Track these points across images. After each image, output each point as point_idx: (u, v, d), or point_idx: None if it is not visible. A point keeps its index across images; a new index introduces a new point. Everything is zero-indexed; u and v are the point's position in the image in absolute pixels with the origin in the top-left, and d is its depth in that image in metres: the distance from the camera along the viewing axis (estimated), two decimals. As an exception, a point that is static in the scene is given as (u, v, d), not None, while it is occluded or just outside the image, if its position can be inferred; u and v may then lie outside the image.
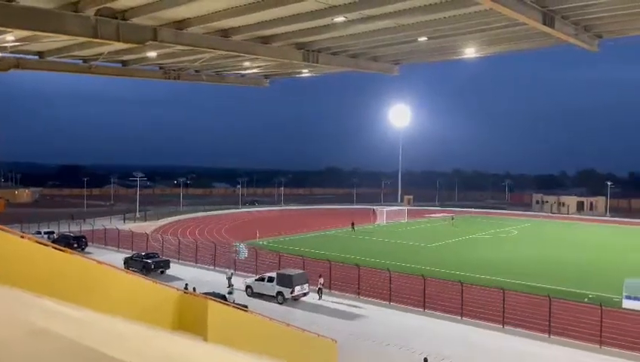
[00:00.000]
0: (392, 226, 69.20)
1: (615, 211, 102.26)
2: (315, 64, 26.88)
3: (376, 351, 22.78)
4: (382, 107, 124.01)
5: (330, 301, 30.53)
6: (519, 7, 17.94)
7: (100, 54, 25.84)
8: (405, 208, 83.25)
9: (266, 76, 35.86)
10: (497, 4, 16.69)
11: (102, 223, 59.55)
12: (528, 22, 19.15)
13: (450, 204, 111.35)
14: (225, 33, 22.68)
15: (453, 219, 77.32)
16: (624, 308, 28.23)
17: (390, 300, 30.03)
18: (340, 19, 20.29)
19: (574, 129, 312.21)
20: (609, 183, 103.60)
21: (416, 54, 28.44)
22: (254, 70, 32.78)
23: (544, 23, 19.52)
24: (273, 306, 28.84)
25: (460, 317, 27.13)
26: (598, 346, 23.03)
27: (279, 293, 30.19)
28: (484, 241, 57.11)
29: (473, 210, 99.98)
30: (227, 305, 15.52)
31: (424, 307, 28.66)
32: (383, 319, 27.31)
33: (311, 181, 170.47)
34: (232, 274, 33.60)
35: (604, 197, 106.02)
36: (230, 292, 29.31)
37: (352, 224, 64.47)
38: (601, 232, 70.16)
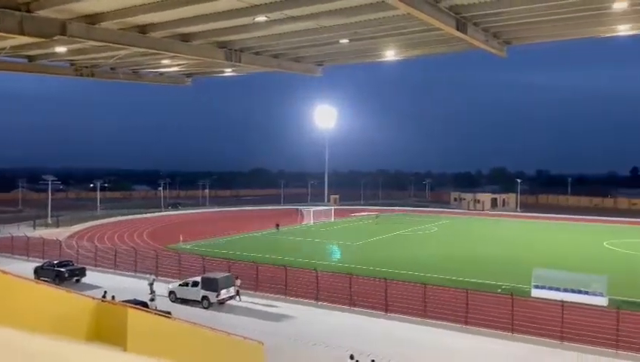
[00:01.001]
0: (319, 226, 69.88)
1: (524, 206, 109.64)
2: (238, 63, 26.55)
3: (303, 350, 22.87)
4: (308, 108, 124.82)
5: (257, 303, 30.28)
6: (435, 13, 18.73)
7: (2, 49, 23.96)
8: (332, 208, 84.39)
9: (188, 75, 34.93)
10: (414, 9, 17.31)
11: (8, 231, 55.24)
12: (443, 27, 20.04)
13: (374, 203, 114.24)
14: (142, 29, 21.80)
15: (377, 217, 79.37)
16: (533, 297, 30.26)
17: (317, 299, 30.28)
18: (261, 18, 20.17)
19: (488, 130, 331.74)
20: (519, 180, 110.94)
21: (339, 56, 28.89)
22: (175, 68, 31.81)
23: (458, 29, 20.53)
24: (198, 311, 28.15)
25: (385, 313, 27.88)
26: (510, 333, 24.53)
27: (204, 298, 29.51)
28: (406, 238, 59.15)
29: (396, 208, 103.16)
30: (149, 312, 14.93)
31: (350, 305, 29.17)
32: (310, 318, 27.48)
33: (237, 182, 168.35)
34: (153, 279, 32.41)
35: (514, 194, 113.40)
36: (152, 299, 28.24)
37: (277, 225, 64.63)
38: (512, 226, 74.97)
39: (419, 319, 26.85)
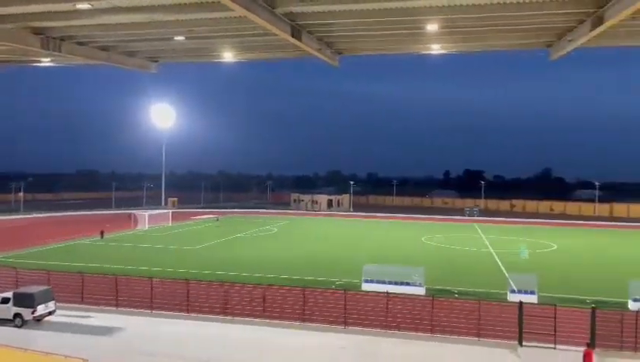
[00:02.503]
0: (155, 231, 66.41)
1: (357, 206, 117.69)
2: (58, 53, 23.97)
3: (135, 364, 21.42)
4: (144, 106, 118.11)
5: (82, 316, 27.58)
6: (270, 18, 19.08)
7: None
8: (169, 211, 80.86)
9: (-2, 63, 30.59)
10: (250, 12, 17.41)
11: None
12: (279, 33, 20.53)
13: (215, 206, 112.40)
14: None
15: (217, 220, 78.23)
16: (364, 290, 32.51)
17: (152, 308, 28.68)
18: (84, 5, 18.47)
19: (325, 135, 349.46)
20: (352, 183, 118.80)
21: (174, 53, 27.84)
22: (-22, 54, 27.63)
23: (293, 36, 21.21)
24: (10, 331, 24.69)
25: (224, 317, 27.48)
26: (344, 326, 26.00)
27: (17, 315, 25.97)
28: (247, 240, 59.29)
29: (237, 210, 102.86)
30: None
31: (188, 311, 28.19)
32: (144, 329, 25.88)
33: (60, 185, 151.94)
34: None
35: (348, 195, 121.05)
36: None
37: (102, 232, 59.10)
38: (346, 225, 79.88)
39: (259, 320, 27.01)
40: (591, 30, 22.48)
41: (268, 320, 26.94)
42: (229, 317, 27.49)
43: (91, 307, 29.20)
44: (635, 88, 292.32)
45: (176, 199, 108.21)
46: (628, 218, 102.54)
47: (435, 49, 27.09)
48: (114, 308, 28.92)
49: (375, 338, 24.56)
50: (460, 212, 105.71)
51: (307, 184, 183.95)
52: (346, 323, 26.16)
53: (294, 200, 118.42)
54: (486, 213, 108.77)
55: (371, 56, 29.97)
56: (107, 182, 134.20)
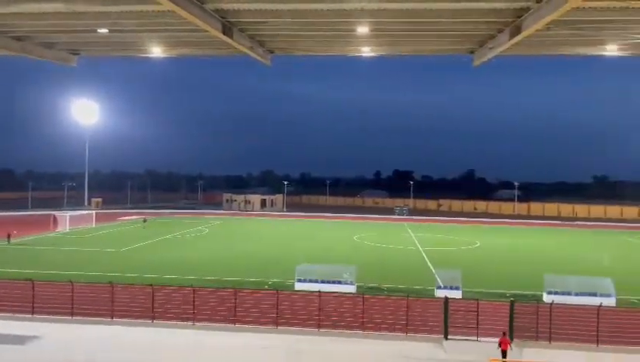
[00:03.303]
0: (77, 233, 63.04)
1: (290, 206, 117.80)
2: (-36, 42, 22.14)
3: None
4: (65, 102, 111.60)
5: (-7, 327, 25.61)
6: (200, 14, 18.63)
7: None
8: (93, 212, 77.03)
9: None
10: (178, 7, 16.91)
11: None
12: (209, 29, 20.09)
13: (143, 206, 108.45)
14: None
15: (145, 221, 75.55)
16: (296, 290, 32.56)
17: (72, 314, 27.15)
18: (-5, -8, 17.18)
19: (259, 135, 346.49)
20: (285, 183, 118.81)
21: (97, 46, 26.52)
22: None
23: (224, 33, 20.83)
24: None
25: (151, 321, 26.52)
26: (276, 327, 25.89)
27: None
28: (176, 242, 57.64)
29: (167, 211, 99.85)
30: None
31: (112, 316, 26.95)
32: (63, 336, 24.43)
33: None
34: None
35: (282, 195, 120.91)
36: None
37: (8, 235, 54.40)
38: (279, 225, 79.70)
39: (188, 323, 26.31)
40: (510, 39, 23.78)
41: (197, 323, 26.31)
42: (156, 321, 26.56)
43: (3, 315, 27.21)
44: (553, 95, 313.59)
45: (100, 199, 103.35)
46: (543, 216, 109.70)
47: (366, 51, 27.64)
48: (29, 315, 27.10)
49: (305, 337, 24.64)
50: (390, 211, 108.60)
51: (240, 184, 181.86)
52: (277, 324, 26.06)
53: (227, 201, 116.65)
54: (415, 212, 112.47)
55: (304, 56, 30.10)
56: (23, 181, 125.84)
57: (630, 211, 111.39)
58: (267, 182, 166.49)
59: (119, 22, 21.03)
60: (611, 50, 29.61)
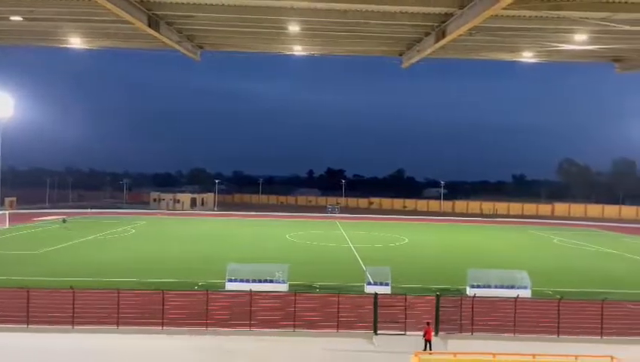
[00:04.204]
0: (-11, 235, 58.60)
1: (222, 205, 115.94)
2: None
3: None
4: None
5: None
6: (123, 5, 17.87)
7: None
8: (6, 212, 71.89)
9: None
10: (100, -4, 16.14)
11: None
12: (134, 21, 19.31)
13: (63, 206, 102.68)
14: None
15: (64, 221, 71.61)
16: (227, 290, 32.06)
17: (-19, 323, 25.16)
18: None
19: (188, 131, 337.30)
20: (217, 181, 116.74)
21: (11, 35, 24.76)
22: None
23: (150, 26, 20.10)
24: None
25: (71, 327, 25.12)
26: (206, 328, 25.35)
27: None
28: (99, 243, 55.02)
29: (90, 210, 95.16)
30: None
31: (28, 322, 25.26)
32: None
33: None
34: None
35: (213, 194, 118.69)
36: None
37: None
38: (210, 224, 78.18)
39: (113, 327, 25.16)
40: (435, 42, 24.70)
41: (122, 327, 25.23)
42: (77, 326, 25.19)
43: None
44: (478, 97, 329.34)
45: (14, 199, 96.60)
46: (467, 213, 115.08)
47: (298, 50, 27.69)
48: None
49: (236, 337, 24.35)
50: (323, 209, 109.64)
51: (169, 182, 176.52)
52: (207, 325, 25.54)
53: (154, 200, 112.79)
54: (347, 210, 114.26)
55: (236, 52, 29.69)
56: None
57: (544, 208, 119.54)
58: (198, 181, 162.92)
59: (35, 10, 19.72)
60: (528, 56, 31.55)
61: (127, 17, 18.26)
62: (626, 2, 21.23)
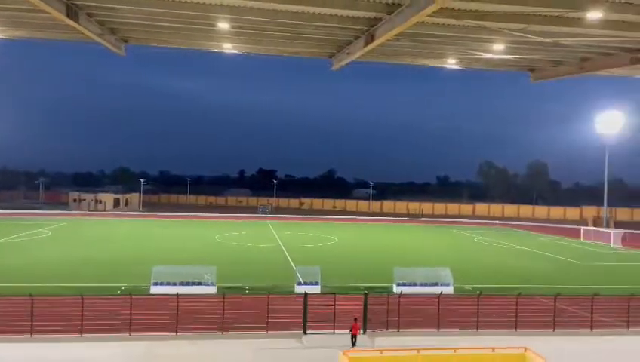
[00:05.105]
0: None
1: (148, 206, 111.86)
2: None
3: None
4: None
5: None
6: (40, -8, 16.79)
7: None
8: None
9: None
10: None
11: None
12: (50, 11, 18.17)
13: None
14: None
15: (-28, 224, 66.13)
16: (153, 294, 30.94)
17: None
18: None
19: (112, 128, 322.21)
20: (142, 181, 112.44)
21: None
22: None
23: (68, 16, 19.01)
24: None
25: (-23, 339, 23.21)
26: (129, 334, 24.29)
27: None
28: (11, 246, 51.28)
29: (2, 211, 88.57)
30: None
31: None
32: None
33: None
34: None
35: (138, 194, 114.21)
36: None
37: None
38: (135, 226, 75.15)
39: (26, 336, 23.51)
40: (364, 46, 25.21)
41: (36, 335, 23.64)
42: (-16, 338, 23.33)
43: None
44: (406, 100, 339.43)
45: None
46: (395, 213, 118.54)
47: (227, 48, 27.24)
48: None
49: (162, 342, 23.54)
50: (254, 210, 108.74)
51: (90, 182, 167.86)
52: (130, 330, 24.49)
53: (74, 200, 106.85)
54: (278, 210, 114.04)
55: (164, 48, 28.73)
56: None
57: (466, 208, 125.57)
58: (122, 180, 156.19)
59: None
60: (451, 63, 32.97)
61: (44, 6, 17.08)
62: (539, 15, 22.73)
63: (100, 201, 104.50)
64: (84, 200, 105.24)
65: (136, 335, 24.17)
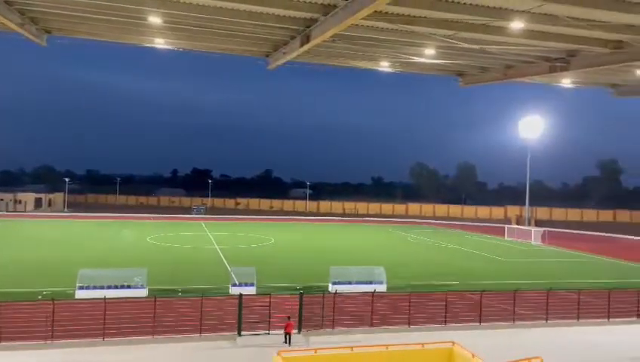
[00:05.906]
0: None
1: (74, 206, 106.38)
2: None
3: None
4: None
5: None
6: (-51, -25, 15.51)
7: None
8: None
9: None
10: None
11: None
12: (-37, -4, 16.85)
13: None
14: None
15: None
16: (77, 298, 29.45)
17: None
18: None
19: (33, 126, 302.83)
20: (67, 180, 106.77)
21: None
22: None
23: (-16, 3, 17.72)
24: None
25: None
26: (51, 341, 22.98)
27: None
28: None
29: None
30: None
31: None
32: None
33: None
34: None
35: (62, 193, 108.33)
36: None
37: None
38: (58, 227, 71.25)
39: None
40: (300, 46, 25.28)
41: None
42: None
43: None
44: (344, 102, 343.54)
45: None
46: (331, 213, 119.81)
47: (159, 43, 26.39)
48: None
49: (87, 348, 22.44)
50: (188, 210, 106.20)
51: (8, 181, 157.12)
52: (53, 337, 23.16)
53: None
54: (213, 210, 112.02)
55: (90, 40, 27.35)
56: None
57: (400, 208, 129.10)
58: (44, 179, 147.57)
59: None
60: (385, 65, 33.75)
61: (-46, -9, 15.79)
62: (467, 22, 23.75)
63: (20, 201, 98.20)
64: (2, 200, 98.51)
65: (57, 343, 22.91)
